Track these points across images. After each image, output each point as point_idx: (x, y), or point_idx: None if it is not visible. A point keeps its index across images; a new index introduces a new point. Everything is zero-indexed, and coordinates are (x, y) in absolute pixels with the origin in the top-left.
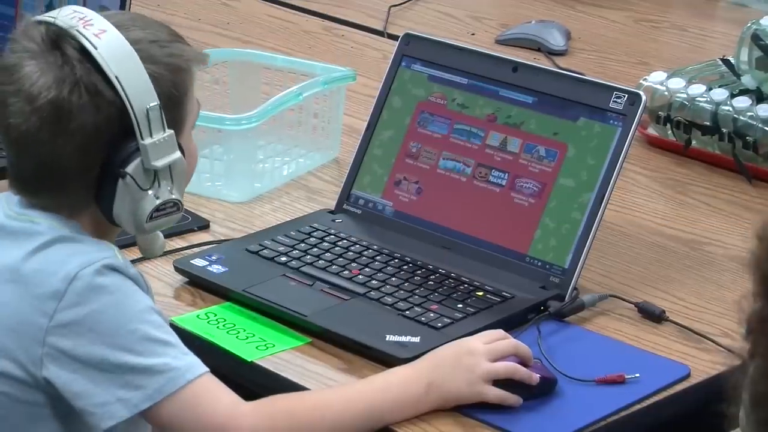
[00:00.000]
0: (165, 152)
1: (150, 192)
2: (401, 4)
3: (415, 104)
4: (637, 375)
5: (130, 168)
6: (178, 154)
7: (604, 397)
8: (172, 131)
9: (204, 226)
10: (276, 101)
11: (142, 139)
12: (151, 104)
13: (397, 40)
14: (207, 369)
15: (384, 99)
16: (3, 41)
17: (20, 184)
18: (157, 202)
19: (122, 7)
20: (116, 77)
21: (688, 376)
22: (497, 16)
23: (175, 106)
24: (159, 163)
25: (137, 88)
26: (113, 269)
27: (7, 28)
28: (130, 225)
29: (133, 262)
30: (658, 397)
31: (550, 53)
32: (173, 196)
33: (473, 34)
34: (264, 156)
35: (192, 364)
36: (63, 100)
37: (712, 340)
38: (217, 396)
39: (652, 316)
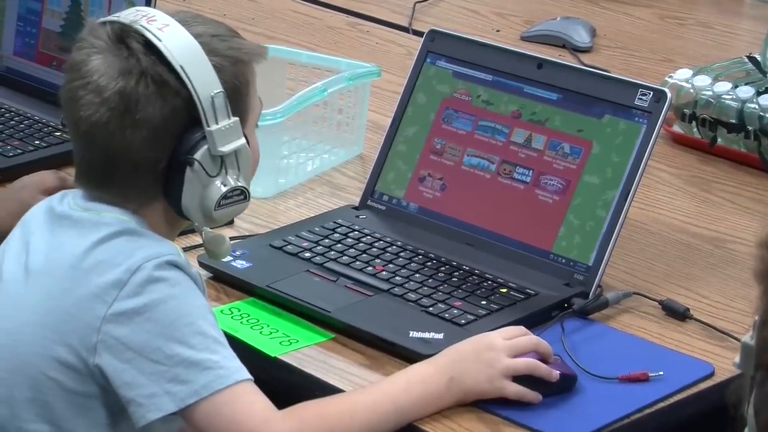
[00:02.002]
0: (231, 138)
1: (217, 179)
2: (426, 0)
3: (439, 100)
4: (661, 373)
5: (197, 155)
6: (243, 140)
7: (628, 395)
8: (236, 118)
9: (228, 221)
10: (300, 97)
11: (208, 125)
12: (216, 91)
13: (422, 37)
14: (251, 377)
15: (408, 95)
16: (30, 35)
17: (88, 177)
18: (225, 189)
19: (147, 3)
20: (181, 67)
21: (712, 374)
22: (522, 13)
23: (238, 97)
24: (226, 148)
25: (202, 76)
26: (175, 266)
27: (34, 23)
28: (199, 215)
29: None
30: (682, 396)
31: (575, 50)
32: (240, 184)
33: (498, 31)
34: (288, 152)
35: (239, 368)
36: (131, 91)
37: (737, 339)
38: (252, 401)
39: (676, 314)
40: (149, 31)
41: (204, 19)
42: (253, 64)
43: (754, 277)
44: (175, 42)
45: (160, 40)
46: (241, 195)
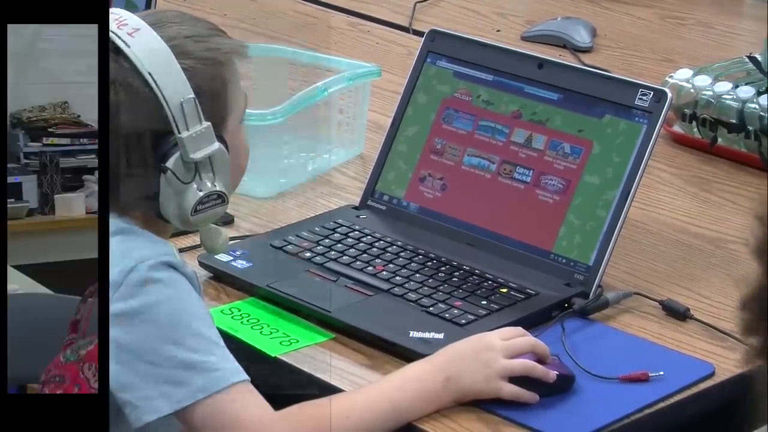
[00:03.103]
0: (203, 144)
1: (193, 185)
2: (427, 0)
3: (440, 100)
4: (661, 373)
5: (169, 162)
6: (217, 145)
7: (628, 395)
8: (209, 123)
9: (228, 221)
10: (301, 97)
11: (179, 132)
12: (186, 97)
13: (423, 37)
14: (248, 377)
15: (409, 95)
16: None
17: None
18: (200, 194)
19: (148, 3)
20: (149, 73)
21: (712, 374)
22: (523, 13)
23: (214, 99)
24: (197, 155)
25: (171, 82)
26: (171, 266)
27: None
28: (177, 219)
29: None
30: (682, 396)
31: (576, 50)
32: (216, 188)
33: (498, 31)
34: (289, 152)
35: (236, 369)
36: None
37: (737, 339)
38: (249, 402)
39: (677, 314)
40: (118, 36)
41: (183, 18)
42: (232, 62)
43: (753, 252)
44: (144, 47)
45: (128, 47)
46: (218, 199)
